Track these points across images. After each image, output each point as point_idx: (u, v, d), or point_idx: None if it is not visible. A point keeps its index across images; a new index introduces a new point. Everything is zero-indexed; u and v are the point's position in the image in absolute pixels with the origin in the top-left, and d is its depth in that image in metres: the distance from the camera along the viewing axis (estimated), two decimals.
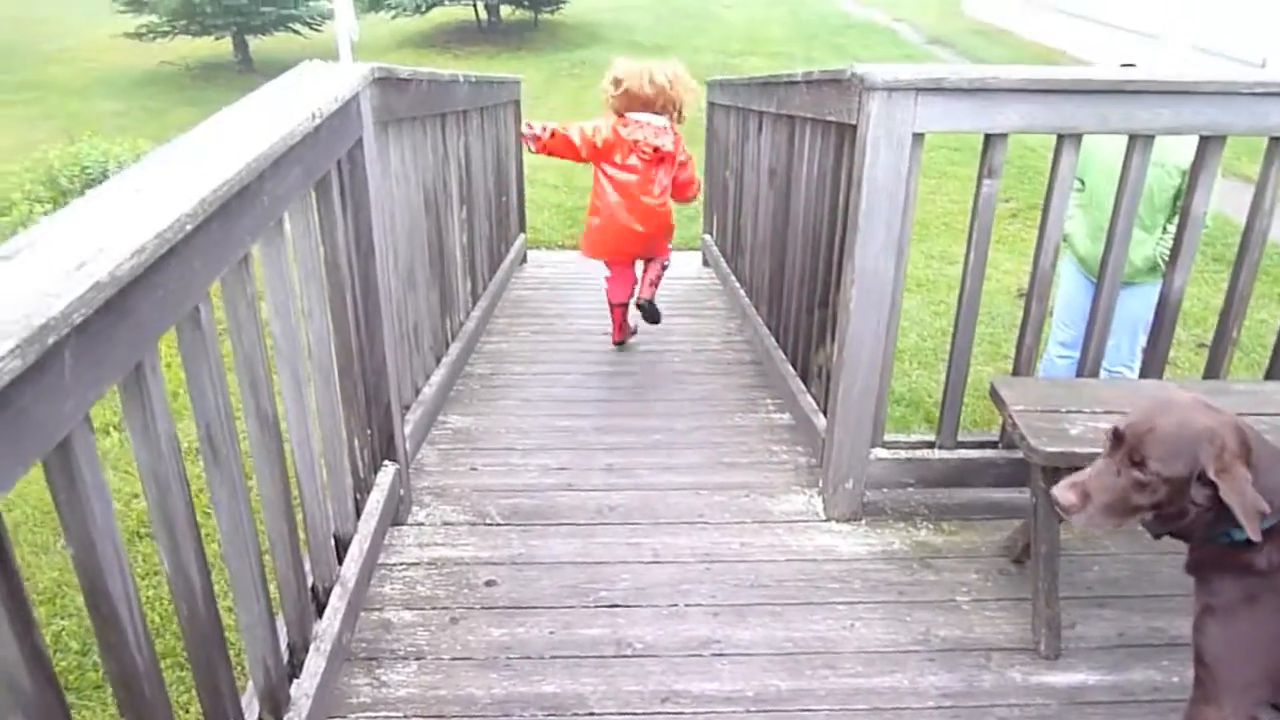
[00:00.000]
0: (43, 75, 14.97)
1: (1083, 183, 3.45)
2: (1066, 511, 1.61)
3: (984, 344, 5.22)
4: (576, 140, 3.66)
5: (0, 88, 14.44)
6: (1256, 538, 1.47)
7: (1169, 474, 1.53)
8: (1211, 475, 1.50)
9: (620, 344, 4.17)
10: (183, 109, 12.64)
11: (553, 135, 3.65)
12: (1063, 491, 1.61)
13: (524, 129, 3.65)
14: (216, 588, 1.48)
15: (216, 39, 14.69)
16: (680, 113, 3.74)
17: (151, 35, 14.40)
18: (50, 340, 0.91)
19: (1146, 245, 3.23)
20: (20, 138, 11.64)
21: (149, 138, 9.25)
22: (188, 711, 2.46)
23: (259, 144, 1.50)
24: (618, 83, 3.61)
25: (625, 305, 4.08)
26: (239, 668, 1.85)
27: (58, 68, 15.47)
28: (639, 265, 4.06)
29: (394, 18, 14.54)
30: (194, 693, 2.42)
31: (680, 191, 3.87)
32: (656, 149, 3.67)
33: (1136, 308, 3.21)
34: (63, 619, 3.02)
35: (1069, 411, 2.16)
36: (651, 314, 4.06)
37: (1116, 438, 1.60)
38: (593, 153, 3.70)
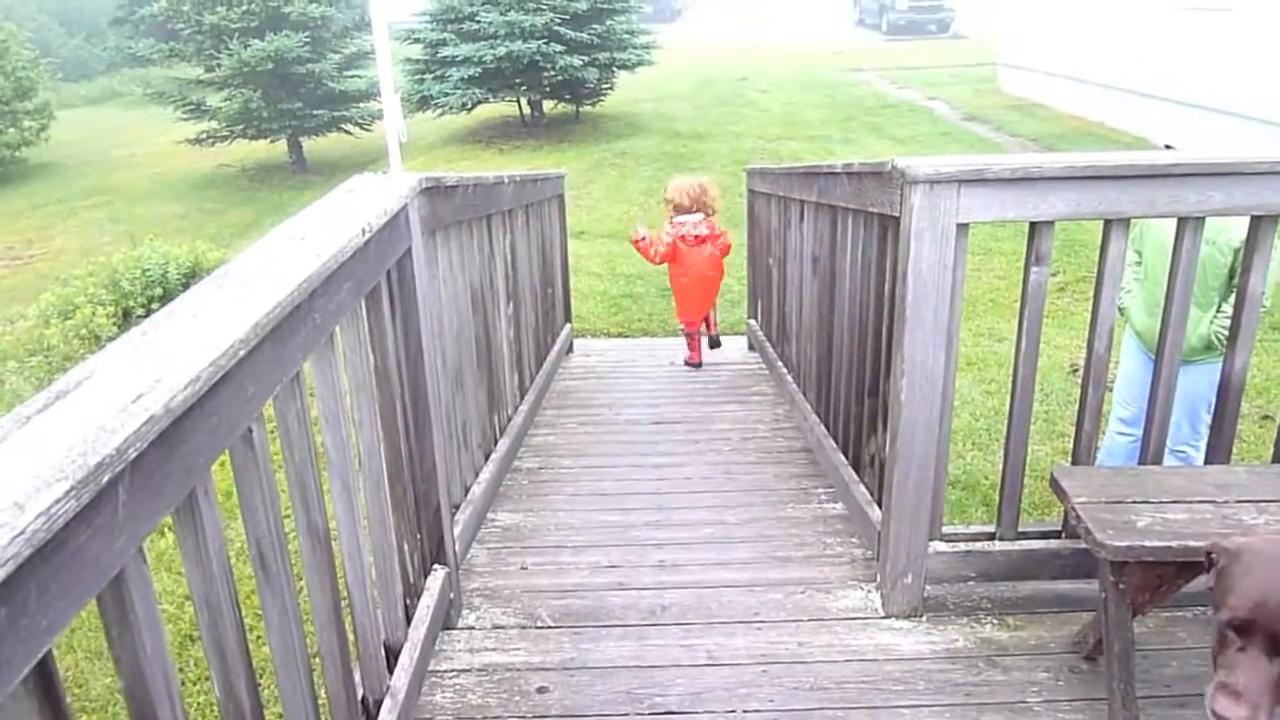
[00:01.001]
0: (109, 181, 15.68)
1: (1139, 254, 3.41)
2: None
3: (1039, 421, 5.12)
4: (654, 257, 5.48)
5: (70, 194, 15.15)
6: None
7: None
8: None
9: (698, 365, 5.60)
10: (239, 209, 13.12)
11: (639, 241, 5.49)
12: (1229, 708, 1.37)
13: (634, 232, 5.51)
14: (265, 694, 1.46)
15: (272, 141, 15.32)
16: (711, 209, 5.48)
17: (211, 140, 15.07)
18: (105, 479, 0.92)
19: (1202, 323, 3.17)
20: (86, 241, 12.14)
21: (208, 239, 9.59)
22: None
23: (311, 263, 1.53)
24: (668, 201, 5.50)
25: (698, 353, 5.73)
26: None
27: (124, 174, 16.20)
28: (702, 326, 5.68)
29: (440, 115, 15.03)
30: None
31: (724, 251, 5.53)
32: (698, 236, 5.39)
33: (1194, 386, 3.13)
34: None
35: (1135, 502, 2.09)
36: (716, 343, 5.77)
37: (1245, 626, 1.39)
38: (665, 258, 5.43)
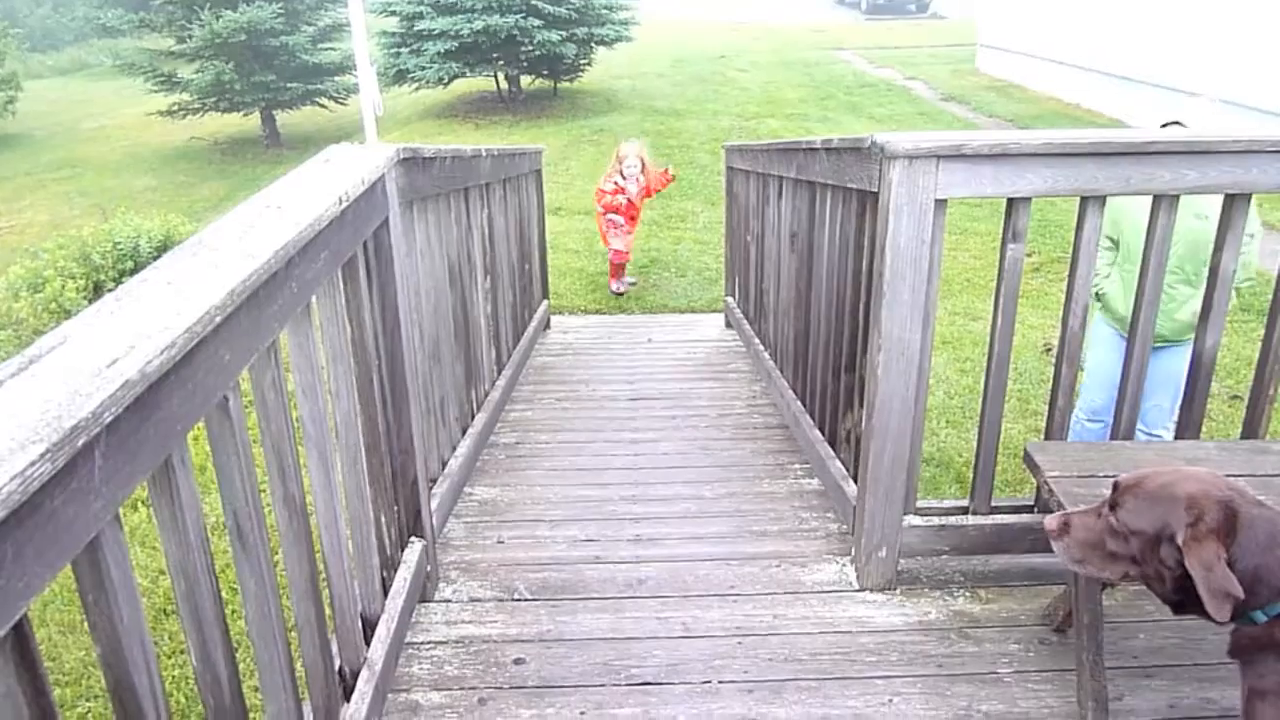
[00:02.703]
0: (78, 154, 15.42)
1: (1113, 241, 3.43)
2: (1049, 536, 1.74)
3: (1012, 400, 5.17)
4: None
5: (38, 166, 14.89)
6: (1220, 618, 1.43)
7: (1136, 527, 1.57)
8: (1179, 541, 1.49)
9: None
10: (212, 183, 12.95)
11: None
12: (1051, 519, 1.74)
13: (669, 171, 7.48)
14: (242, 666, 1.46)
15: (245, 115, 15.11)
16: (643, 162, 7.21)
17: (183, 113, 14.84)
18: (80, 442, 0.91)
19: (1195, 301, 3.17)
20: (56, 214, 11.94)
21: (180, 212, 9.46)
22: None
23: (287, 231, 1.52)
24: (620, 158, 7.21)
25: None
26: None
27: (93, 146, 15.93)
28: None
29: (417, 90, 14.86)
30: None
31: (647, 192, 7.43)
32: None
33: (1181, 367, 3.16)
34: (89, 700, 3.00)
35: (1107, 476, 2.11)
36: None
37: (1114, 488, 1.67)
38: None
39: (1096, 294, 3.51)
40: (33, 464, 0.83)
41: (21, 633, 0.89)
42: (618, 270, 7.45)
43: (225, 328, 1.27)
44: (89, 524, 0.97)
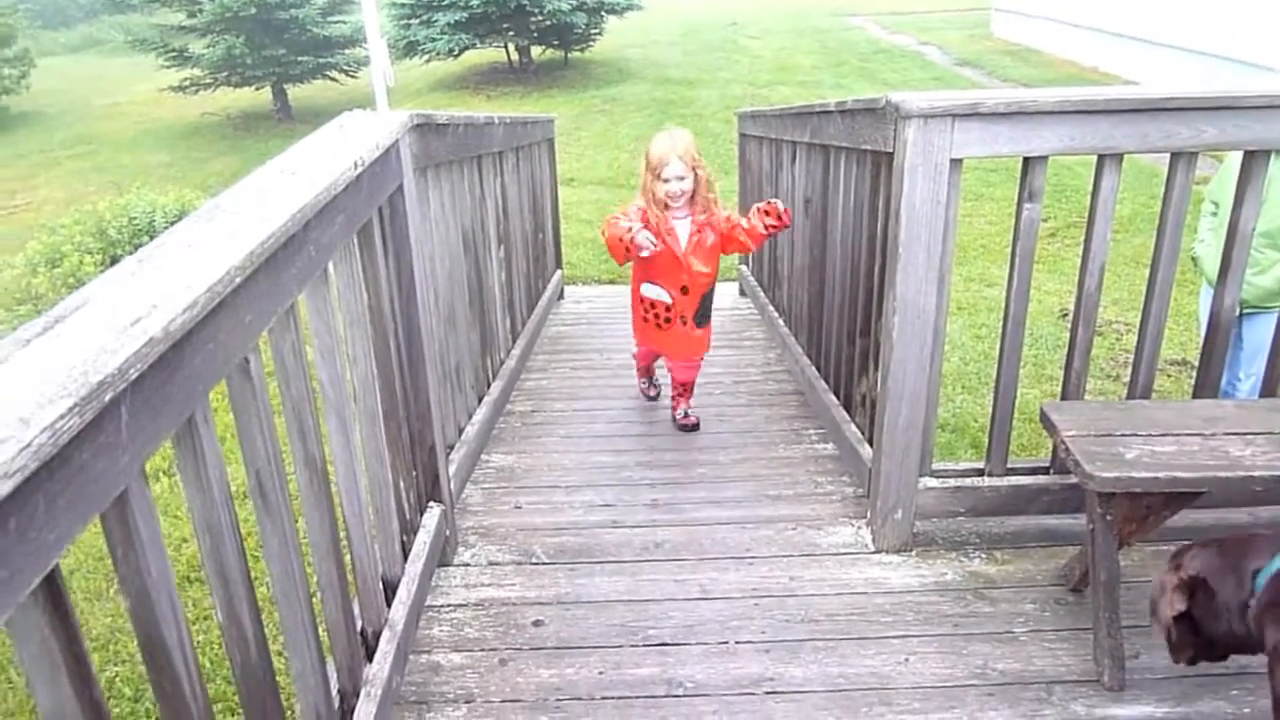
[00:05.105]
0: (92, 130, 15.45)
1: (1217, 206, 3.37)
2: None
3: (1028, 365, 5.15)
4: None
5: (53, 143, 14.94)
6: None
7: None
8: None
9: None
10: (226, 158, 12.97)
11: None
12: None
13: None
14: (267, 630, 1.48)
15: (256, 89, 15.08)
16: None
17: (194, 88, 14.83)
18: (107, 397, 0.92)
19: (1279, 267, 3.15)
20: (71, 191, 12.00)
21: (194, 187, 9.49)
22: None
23: (304, 194, 1.52)
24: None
25: None
26: (290, 713, 1.85)
27: (107, 122, 15.96)
28: None
29: (427, 62, 14.81)
30: None
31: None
32: None
33: (1266, 334, 3.08)
34: (116, 665, 3.06)
35: (1123, 435, 2.12)
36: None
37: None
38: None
39: (1193, 257, 3.50)
40: (61, 417, 0.85)
41: (54, 584, 0.91)
42: (647, 363, 3.91)
43: (245, 289, 1.28)
44: (117, 478, 0.98)
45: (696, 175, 3.19)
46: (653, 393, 3.92)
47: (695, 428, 3.59)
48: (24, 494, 0.81)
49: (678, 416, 3.63)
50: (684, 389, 3.63)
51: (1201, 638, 1.71)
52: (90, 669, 0.97)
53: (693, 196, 3.21)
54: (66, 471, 0.88)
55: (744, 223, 3.23)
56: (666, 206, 3.20)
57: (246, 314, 1.30)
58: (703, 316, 3.41)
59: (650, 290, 3.36)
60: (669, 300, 3.32)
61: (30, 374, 0.90)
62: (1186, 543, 1.79)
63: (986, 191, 8.90)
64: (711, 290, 3.40)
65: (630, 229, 3.07)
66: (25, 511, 0.82)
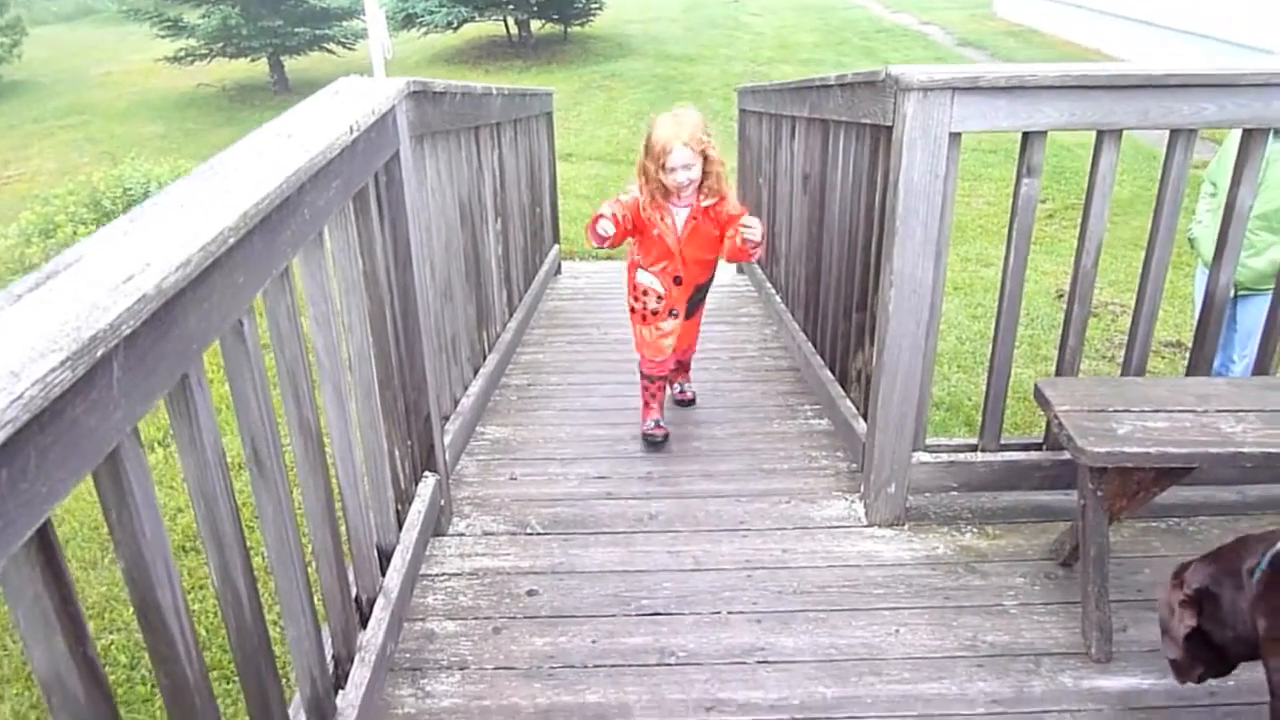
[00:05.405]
0: (86, 100, 15.32)
1: (1216, 187, 3.36)
2: None
3: (1024, 345, 5.16)
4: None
5: (46, 113, 14.81)
6: None
7: None
8: None
9: None
10: (221, 130, 12.87)
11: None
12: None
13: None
14: (262, 599, 1.49)
15: (252, 60, 14.95)
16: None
17: (190, 58, 14.69)
18: (99, 352, 0.92)
19: (1275, 250, 3.14)
20: (65, 161, 11.92)
21: (190, 158, 9.44)
22: None
23: (299, 157, 1.52)
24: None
25: None
26: (285, 679, 1.86)
27: (101, 93, 15.82)
28: None
29: (425, 34, 14.70)
30: (240, 705, 2.45)
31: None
32: None
33: (1259, 317, 3.08)
34: (111, 633, 3.07)
35: (1116, 410, 2.12)
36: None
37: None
38: None
39: (1190, 239, 3.50)
40: (53, 371, 0.84)
41: (47, 540, 0.92)
42: (652, 389, 3.30)
43: (239, 250, 1.27)
44: (110, 435, 0.98)
45: (706, 158, 2.90)
46: (660, 433, 3.24)
47: (692, 403, 3.57)
48: (15, 446, 0.81)
49: (674, 392, 3.58)
50: (681, 366, 3.57)
51: (1213, 650, 1.73)
52: (84, 627, 0.97)
53: (701, 182, 2.95)
54: (58, 425, 0.88)
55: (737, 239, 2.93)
56: (668, 195, 2.96)
57: (240, 275, 1.29)
58: (694, 307, 3.27)
59: (644, 277, 3.16)
60: (661, 290, 3.13)
61: (22, 328, 0.89)
62: (1186, 560, 1.82)
63: (985, 172, 8.88)
64: (708, 283, 3.25)
65: (600, 215, 2.92)
66: (16, 464, 0.82)
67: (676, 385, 3.59)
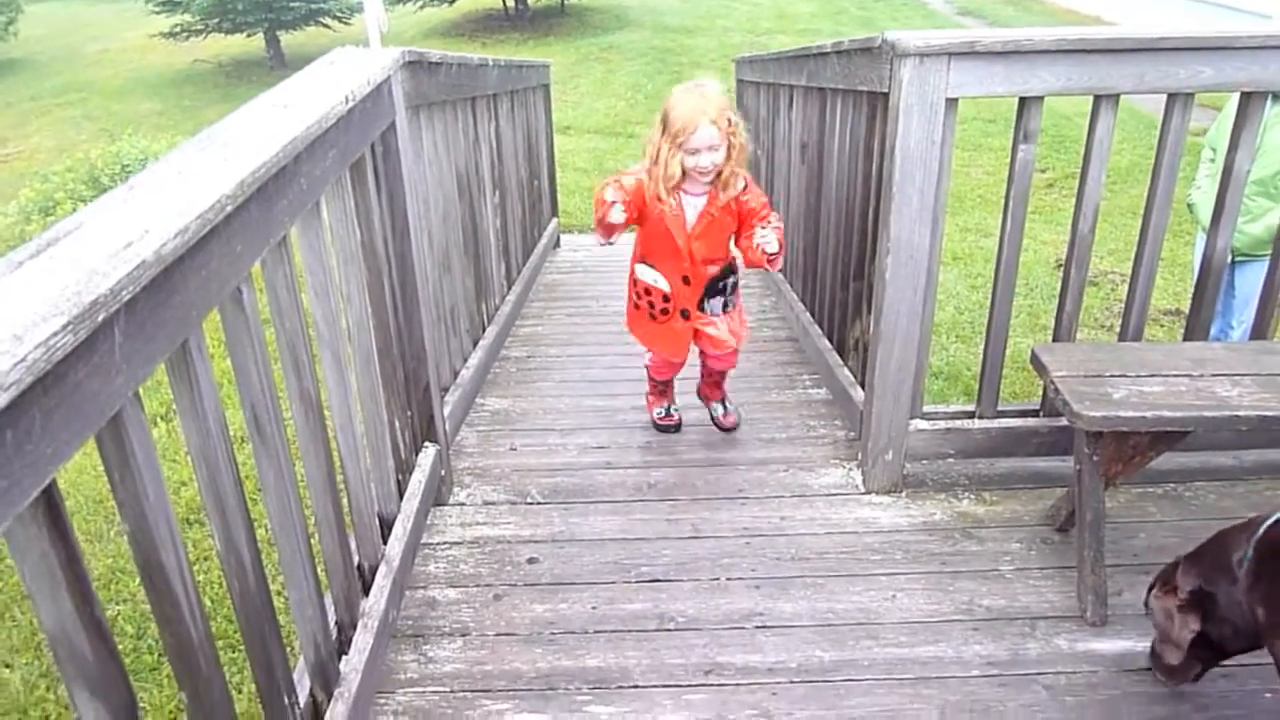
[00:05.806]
0: (83, 78, 15.25)
1: (1215, 151, 3.35)
2: None
3: (1022, 315, 5.17)
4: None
5: (43, 91, 14.76)
6: None
7: None
8: None
9: None
10: (218, 105, 12.81)
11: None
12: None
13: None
14: (266, 570, 1.51)
15: (248, 36, 14.86)
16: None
17: (185, 34, 14.61)
18: (100, 317, 0.93)
19: (1272, 215, 3.11)
20: (63, 139, 11.89)
21: (187, 134, 9.38)
22: (240, 692, 2.51)
23: (295, 127, 1.52)
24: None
25: None
26: (289, 646, 1.89)
27: (97, 70, 15.75)
28: None
29: (422, 8, 14.60)
30: (245, 673, 2.48)
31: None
32: None
33: (1256, 283, 3.06)
34: (118, 604, 3.10)
35: (1113, 375, 2.14)
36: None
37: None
38: None
39: (1189, 204, 3.49)
40: (55, 334, 0.85)
41: (52, 501, 0.93)
42: (666, 377, 3.08)
43: (237, 218, 1.28)
44: (112, 398, 1.00)
45: (729, 143, 2.53)
46: (671, 422, 3.08)
47: (735, 428, 3.04)
48: (19, 407, 0.82)
49: (715, 415, 3.06)
50: (717, 380, 3.05)
51: (1210, 649, 1.73)
52: (90, 588, 0.99)
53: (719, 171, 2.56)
54: (61, 389, 0.89)
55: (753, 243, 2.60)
56: (681, 184, 2.58)
57: (238, 243, 1.30)
58: (713, 298, 2.80)
59: (646, 273, 2.78)
60: (667, 289, 2.74)
61: (24, 293, 0.90)
62: (1168, 564, 1.82)
63: (985, 142, 8.85)
64: (724, 273, 2.79)
65: (611, 202, 2.51)
66: (21, 425, 0.83)
67: (715, 406, 3.07)
